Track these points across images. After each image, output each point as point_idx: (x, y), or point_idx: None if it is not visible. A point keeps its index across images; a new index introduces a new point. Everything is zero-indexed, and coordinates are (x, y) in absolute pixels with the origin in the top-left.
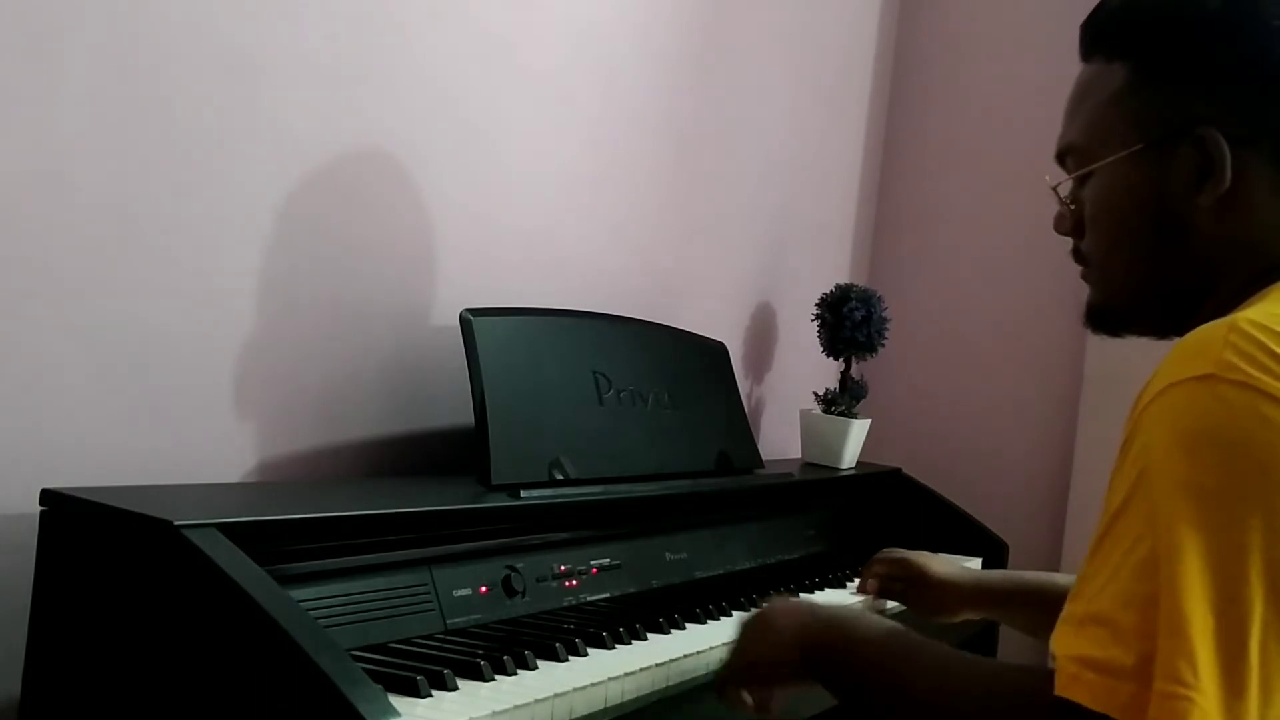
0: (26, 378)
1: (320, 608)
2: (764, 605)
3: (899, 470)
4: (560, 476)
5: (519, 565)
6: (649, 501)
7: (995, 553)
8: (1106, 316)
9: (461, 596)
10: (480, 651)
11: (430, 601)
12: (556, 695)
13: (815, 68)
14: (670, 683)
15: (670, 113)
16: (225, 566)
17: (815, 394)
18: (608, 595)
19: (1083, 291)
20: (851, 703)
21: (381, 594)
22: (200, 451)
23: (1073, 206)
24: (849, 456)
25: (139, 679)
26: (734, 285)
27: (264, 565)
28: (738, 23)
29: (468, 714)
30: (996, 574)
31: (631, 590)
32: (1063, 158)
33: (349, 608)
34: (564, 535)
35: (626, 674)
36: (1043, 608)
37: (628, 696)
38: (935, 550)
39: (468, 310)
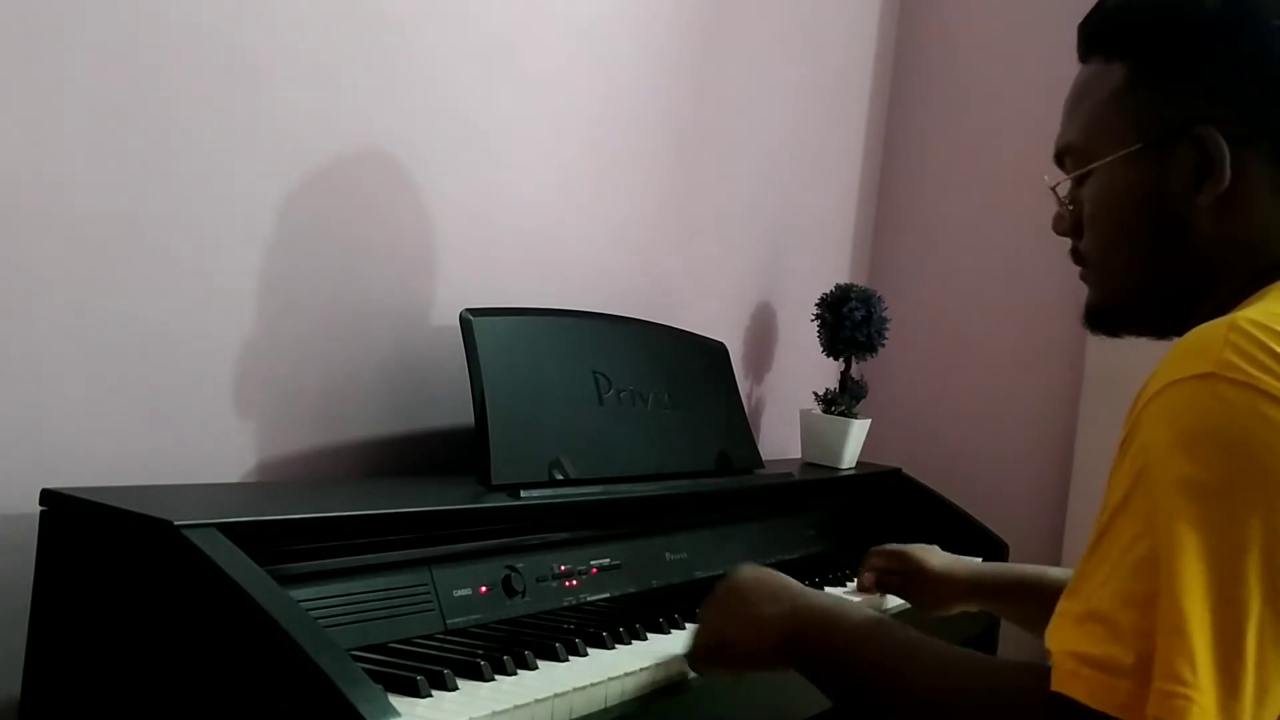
0: (26, 378)
1: (320, 608)
2: (736, 575)
3: (899, 470)
4: (560, 476)
5: (519, 565)
6: (649, 501)
7: (995, 553)
8: (1105, 316)
9: (461, 596)
10: (480, 651)
11: (430, 601)
12: (556, 695)
13: (815, 68)
14: (670, 683)
15: (670, 113)
16: (225, 566)
17: (815, 394)
18: (608, 595)
19: (1082, 292)
20: (839, 697)
21: (381, 594)
22: (200, 451)
23: (1071, 207)
24: (849, 456)
25: (139, 679)
26: (734, 285)
27: (264, 565)
28: (738, 23)
29: (468, 714)
30: (992, 567)
31: (631, 590)
32: (1061, 158)
33: (349, 608)
34: (564, 535)
35: (626, 674)
36: (1039, 601)
37: (628, 696)
38: None
39: (468, 310)
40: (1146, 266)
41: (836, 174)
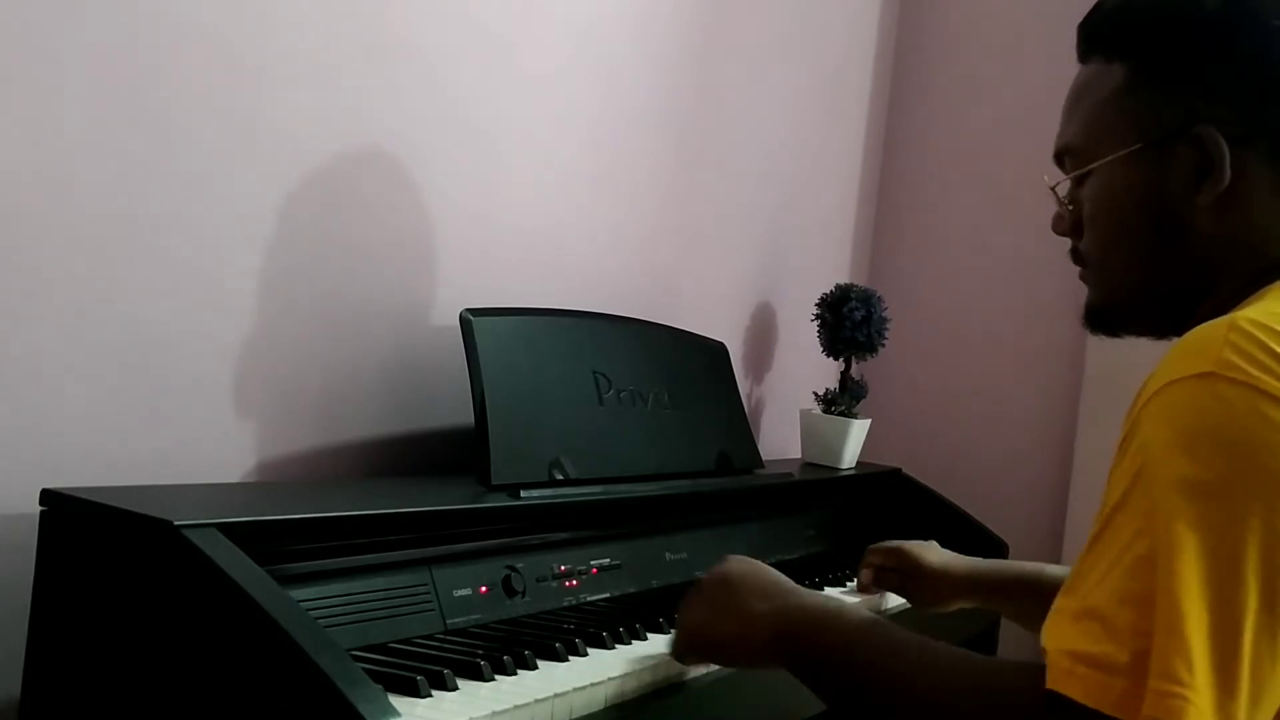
0: (26, 378)
1: (320, 608)
2: (724, 567)
3: (899, 470)
4: (560, 476)
5: (519, 565)
6: (649, 501)
7: (995, 553)
8: (1105, 316)
9: (461, 596)
10: (480, 651)
11: (430, 601)
12: (556, 695)
13: (815, 67)
14: (670, 683)
15: (670, 113)
16: (225, 566)
17: (815, 394)
18: (608, 595)
19: (1082, 292)
20: (832, 697)
21: (381, 594)
22: (200, 451)
23: (1071, 207)
24: (849, 456)
25: (139, 679)
26: (734, 285)
27: (264, 565)
28: (738, 23)
29: (468, 714)
30: (990, 563)
31: (631, 590)
32: (1061, 158)
33: (349, 608)
34: (564, 535)
35: (626, 674)
36: (1037, 598)
37: (628, 696)
38: None
39: (468, 310)
40: (1146, 266)
41: (836, 174)
